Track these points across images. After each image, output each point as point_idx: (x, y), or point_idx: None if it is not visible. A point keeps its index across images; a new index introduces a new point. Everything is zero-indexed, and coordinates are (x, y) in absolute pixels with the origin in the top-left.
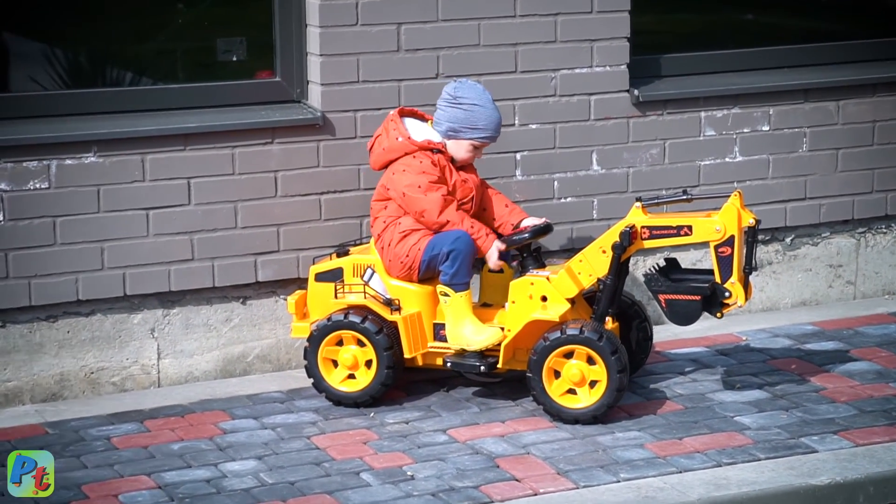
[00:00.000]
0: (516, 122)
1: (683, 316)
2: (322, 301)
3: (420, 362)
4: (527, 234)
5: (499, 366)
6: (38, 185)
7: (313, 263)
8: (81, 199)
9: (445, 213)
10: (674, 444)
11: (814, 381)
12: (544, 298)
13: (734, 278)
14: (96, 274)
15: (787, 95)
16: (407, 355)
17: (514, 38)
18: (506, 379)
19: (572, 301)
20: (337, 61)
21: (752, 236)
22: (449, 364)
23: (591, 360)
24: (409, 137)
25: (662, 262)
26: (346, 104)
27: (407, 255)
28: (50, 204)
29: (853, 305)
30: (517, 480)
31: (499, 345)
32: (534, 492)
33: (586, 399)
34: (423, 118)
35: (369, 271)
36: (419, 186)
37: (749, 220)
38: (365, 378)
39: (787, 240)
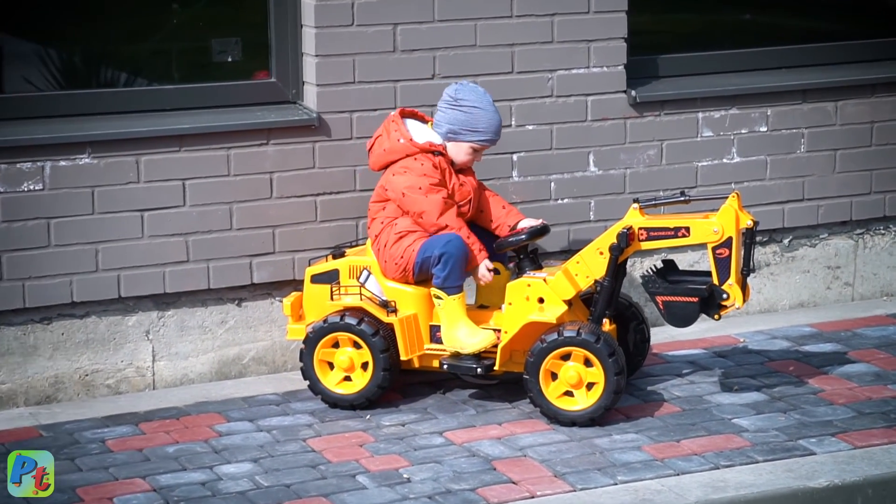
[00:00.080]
0: (513, 122)
1: (681, 318)
2: (318, 303)
3: (416, 364)
4: (523, 236)
5: (495, 368)
6: (32, 187)
7: (309, 265)
8: (76, 200)
9: (445, 217)
10: (671, 446)
11: (812, 383)
12: (541, 300)
13: (732, 280)
14: (91, 276)
15: (785, 96)
16: (403, 357)
17: (511, 38)
18: (502, 381)
19: (569, 303)
20: (333, 62)
21: (750, 238)
22: (445, 366)
23: (588, 363)
24: (410, 139)
25: (660, 264)
26: (342, 105)
27: (401, 257)
28: (44, 205)
29: (851, 307)
30: (514, 483)
31: (494, 347)
32: (531, 494)
33: (583, 401)
34: (423, 119)
35: (365, 273)
36: (420, 188)
37: (747, 222)
38: (361, 380)
39: (785, 241)
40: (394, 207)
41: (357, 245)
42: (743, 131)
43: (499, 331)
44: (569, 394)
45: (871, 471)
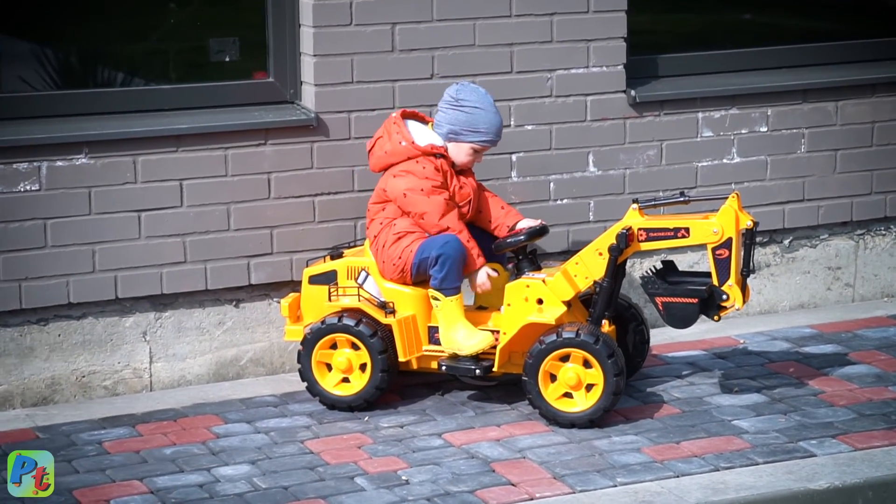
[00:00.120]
0: (512, 123)
1: (680, 319)
2: (316, 304)
3: (415, 366)
4: (522, 237)
5: (494, 369)
6: (28, 187)
7: (307, 266)
8: (72, 200)
9: (446, 219)
10: (671, 448)
11: (812, 384)
12: (540, 301)
13: (732, 281)
14: (88, 277)
15: (786, 96)
16: (401, 359)
17: (510, 38)
18: (501, 382)
19: (568, 304)
20: (331, 62)
21: (750, 238)
22: (444, 368)
23: (587, 364)
24: (412, 142)
25: (659, 265)
26: (341, 105)
27: (399, 258)
28: (41, 206)
29: (852, 308)
30: (513, 485)
31: (493, 348)
32: (530, 496)
33: (583, 403)
34: (423, 120)
35: (363, 274)
36: (421, 190)
37: (747, 222)
38: (359, 382)
39: (786, 242)
40: (393, 208)
41: (355, 246)
42: (743, 131)
43: (497, 332)
44: (568, 395)
45: (871, 473)
